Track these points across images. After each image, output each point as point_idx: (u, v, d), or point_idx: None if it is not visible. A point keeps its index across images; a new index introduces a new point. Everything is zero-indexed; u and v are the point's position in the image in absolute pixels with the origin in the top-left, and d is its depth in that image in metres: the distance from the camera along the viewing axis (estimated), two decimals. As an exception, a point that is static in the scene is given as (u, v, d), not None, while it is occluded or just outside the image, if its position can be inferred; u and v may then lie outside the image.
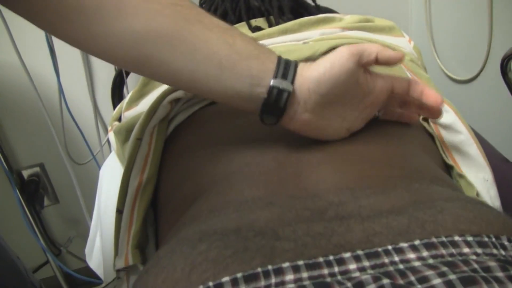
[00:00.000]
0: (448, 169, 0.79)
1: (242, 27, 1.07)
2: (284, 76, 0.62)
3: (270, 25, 1.06)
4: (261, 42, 0.90)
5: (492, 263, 0.43)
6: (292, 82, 0.62)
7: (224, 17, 1.10)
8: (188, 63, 0.62)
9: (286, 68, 0.62)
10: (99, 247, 0.98)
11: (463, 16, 1.55)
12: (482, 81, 1.50)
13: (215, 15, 1.07)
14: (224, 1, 1.12)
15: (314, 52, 0.81)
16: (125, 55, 0.63)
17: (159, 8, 0.61)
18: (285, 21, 1.03)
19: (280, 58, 0.63)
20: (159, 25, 0.61)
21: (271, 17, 1.09)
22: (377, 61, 0.63)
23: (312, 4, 1.20)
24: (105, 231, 0.92)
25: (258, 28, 1.04)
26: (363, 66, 0.63)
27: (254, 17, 1.09)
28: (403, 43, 0.99)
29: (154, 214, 0.85)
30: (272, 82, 0.62)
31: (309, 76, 0.62)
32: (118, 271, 0.80)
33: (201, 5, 1.22)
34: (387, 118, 0.73)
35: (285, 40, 0.92)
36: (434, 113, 0.70)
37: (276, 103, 0.62)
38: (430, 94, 0.66)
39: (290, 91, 0.62)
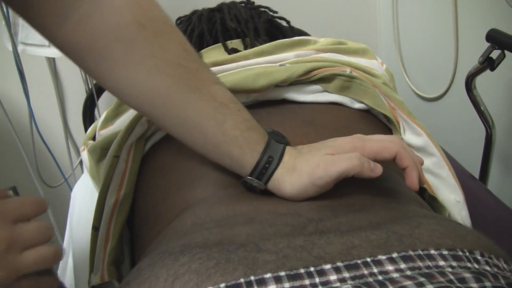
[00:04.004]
0: (421, 191, 0.81)
1: (218, 48, 1.08)
2: (259, 177, 0.64)
3: (246, 47, 1.07)
4: (237, 63, 0.92)
5: (467, 275, 0.45)
6: (266, 183, 0.64)
7: (200, 38, 1.11)
8: (178, 127, 0.66)
9: (263, 169, 0.63)
10: (71, 267, 0.97)
11: (430, 36, 1.58)
12: (449, 98, 1.53)
13: (191, 36, 1.09)
14: (201, 22, 1.12)
15: (291, 75, 0.83)
16: (129, 100, 0.67)
17: (163, 66, 0.63)
18: (260, 43, 1.05)
19: (263, 155, 0.64)
20: (158, 83, 0.63)
21: (247, 39, 1.10)
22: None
23: (286, 25, 1.21)
24: (78, 250, 0.91)
25: (234, 50, 1.05)
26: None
27: (231, 38, 1.10)
28: (376, 66, 1.01)
29: (129, 233, 0.85)
30: (246, 179, 0.64)
31: (281, 188, 0.63)
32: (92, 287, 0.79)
33: (177, 25, 1.22)
34: None
35: (261, 62, 0.93)
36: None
37: (251, 188, 0.65)
38: (410, 176, 0.61)
39: (262, 189, 0.64)
